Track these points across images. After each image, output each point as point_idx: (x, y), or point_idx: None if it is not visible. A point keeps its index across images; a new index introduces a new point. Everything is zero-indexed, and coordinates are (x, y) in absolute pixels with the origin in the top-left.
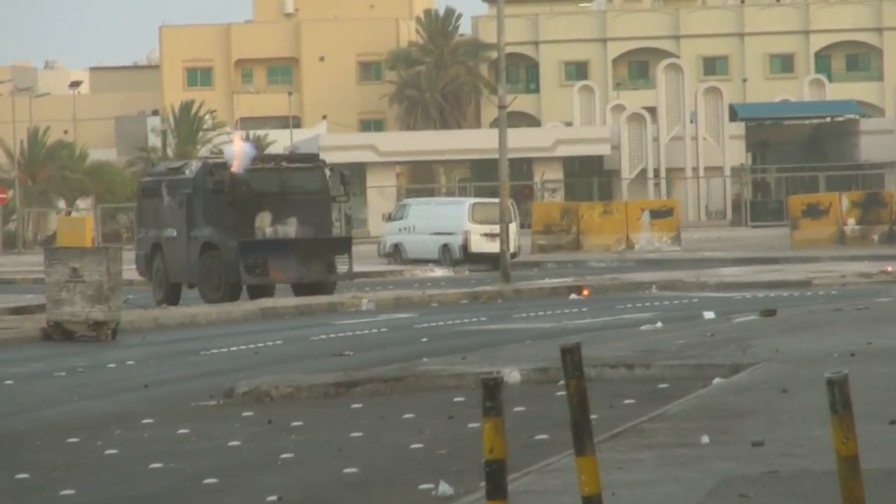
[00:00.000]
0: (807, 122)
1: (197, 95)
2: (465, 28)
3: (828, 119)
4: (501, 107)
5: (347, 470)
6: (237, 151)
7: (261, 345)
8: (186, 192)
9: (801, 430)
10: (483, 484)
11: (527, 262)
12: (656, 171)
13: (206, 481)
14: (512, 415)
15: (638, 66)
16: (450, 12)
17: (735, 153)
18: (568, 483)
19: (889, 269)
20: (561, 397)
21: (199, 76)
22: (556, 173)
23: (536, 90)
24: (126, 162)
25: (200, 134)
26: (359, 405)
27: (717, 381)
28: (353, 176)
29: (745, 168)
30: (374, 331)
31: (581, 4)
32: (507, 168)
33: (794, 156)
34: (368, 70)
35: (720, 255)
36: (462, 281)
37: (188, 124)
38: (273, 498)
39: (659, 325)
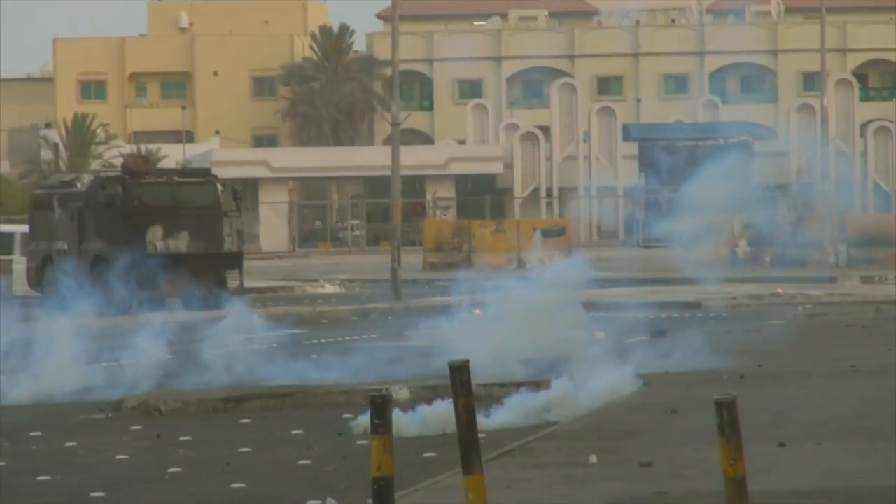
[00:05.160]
0: (700, 143)
1: (90, 109)
2: (359, 45)
3: (721, 140)
4: (394, 124)
5: (235, 485)
6: None
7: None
8: (78, 205)
9: (689, 451)
10: (370, 501)
11: (418, 279)
12: (549, 191)
13: (94, 494)
14: None
15: (532, 85)
16: (344, 29)
17: (628, 173)
18: (455, 501)
19: (780, 291)
20: None
21: (92, 89)
22: (448, 191)
23: (430, 108)
24: (18, 174)
25: (93, 147)
26: (248, 420)
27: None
28: (246, 191)
29: (638, 188)
30: (265, 346)
31: (476, 23)
32: (399, 185)
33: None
34: (262, 85)
35: (611, 274)
36: (352, 297)
37: (81, 137)
38: None
39: None
